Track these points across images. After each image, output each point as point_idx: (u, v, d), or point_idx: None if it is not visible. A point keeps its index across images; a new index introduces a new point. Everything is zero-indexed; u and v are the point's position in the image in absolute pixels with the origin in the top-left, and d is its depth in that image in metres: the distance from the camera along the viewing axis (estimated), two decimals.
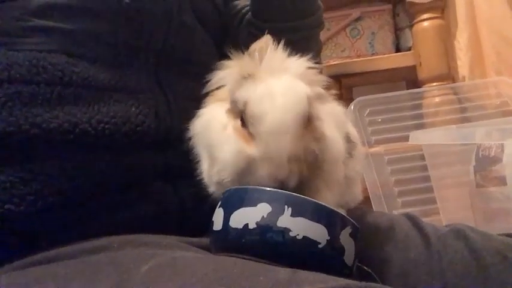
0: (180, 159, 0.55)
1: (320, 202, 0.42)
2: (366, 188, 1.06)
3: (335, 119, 0.51)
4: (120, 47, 0.56)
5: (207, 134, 0.50)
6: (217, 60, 0.73)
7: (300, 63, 0.49)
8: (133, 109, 0.54)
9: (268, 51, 0.48)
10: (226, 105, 0.49)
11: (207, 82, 0.54)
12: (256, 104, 0.44)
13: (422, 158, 1.08)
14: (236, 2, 0.83)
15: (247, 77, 0.46)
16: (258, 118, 0.44)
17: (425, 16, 1.32)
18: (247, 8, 0.81)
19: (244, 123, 0.46)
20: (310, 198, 0.42)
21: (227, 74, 0.51)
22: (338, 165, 0.49)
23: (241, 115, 0.46)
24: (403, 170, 1.14)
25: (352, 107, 1.15)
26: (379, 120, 1.17)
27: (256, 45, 0.50)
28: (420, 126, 1.21)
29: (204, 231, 0.46)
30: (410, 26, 1.39)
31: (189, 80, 0.64)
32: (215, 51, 0.74)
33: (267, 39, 0.52)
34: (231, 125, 0.47)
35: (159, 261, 0.39)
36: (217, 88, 0.54)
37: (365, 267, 0.48)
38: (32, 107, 0.48)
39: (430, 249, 0.53)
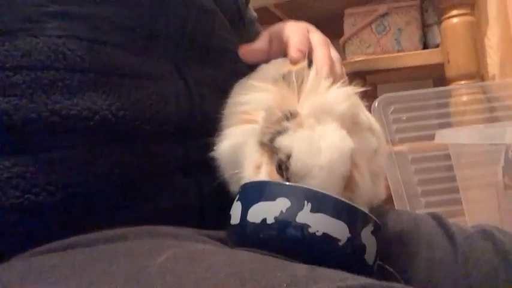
0: (201, 152, 0.55)
1: (341, 198, 0.40)
2: (389, 187, 1.04)
3: (367, 153, 0.50)
4: (139, 32, 0.55)
5: (235, 163, 0.49)
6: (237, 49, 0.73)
7: (341, 98, 0.46)
8: (154, 96, 0.53)
9: (306, 78, 0.46)
10: (256, 131, 0.47)
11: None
12: (300, 161, 0.42)
13: (447, 157, 1.05)
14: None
15: (288, 116, 0.44)
16: (301, 177, 0.42)
17: (454, 12, 1.28)
18: None
19: (280, 170, 0.44)
20: (331, 194, 0.40)
21: (262, 99, 0.49)
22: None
23: (279, 162, 0.44)
24: (427, 170, 1.11)
25: (376, 104, 1.13)
26: (404, 118, 1.15)
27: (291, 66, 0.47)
28: (446, 125, 1.18)
29: (224, 225, 0.45)
30: (439, 23, 1.36)
31: (210, 68, 0.63)
32: (235, 39, 0.73)
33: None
34: (265, 168, 0.45)
35: (175, 253, 0.38)
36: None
37: (387, 267, 0.47)
38: (52, 94, 0.47)
39: (456, 249, 0.51)
